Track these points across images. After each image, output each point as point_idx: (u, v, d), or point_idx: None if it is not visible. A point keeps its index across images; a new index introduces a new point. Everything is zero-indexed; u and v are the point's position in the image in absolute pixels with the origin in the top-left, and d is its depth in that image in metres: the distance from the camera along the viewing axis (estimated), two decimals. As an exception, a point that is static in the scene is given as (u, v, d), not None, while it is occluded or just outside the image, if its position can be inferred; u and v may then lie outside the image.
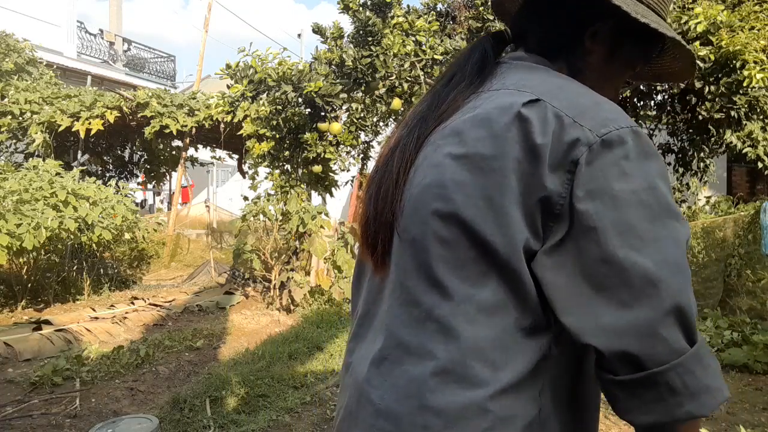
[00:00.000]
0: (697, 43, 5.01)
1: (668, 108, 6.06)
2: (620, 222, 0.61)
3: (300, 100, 6.05)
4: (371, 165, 7.09)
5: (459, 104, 0.75)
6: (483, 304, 0.65)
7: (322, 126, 5.96)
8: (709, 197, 8.86)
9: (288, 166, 6.50)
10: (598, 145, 0.62)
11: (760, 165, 5.27)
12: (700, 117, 5.33)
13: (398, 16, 5.65)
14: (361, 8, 5.52)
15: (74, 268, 6.76)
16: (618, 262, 0.60)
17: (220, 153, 10.37)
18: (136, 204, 9.54)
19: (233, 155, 10.97)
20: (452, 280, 0.66)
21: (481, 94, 0.74)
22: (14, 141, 8.90)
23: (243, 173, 9.54)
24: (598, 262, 0.61)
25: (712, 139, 5.50)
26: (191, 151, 10.16)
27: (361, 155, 6.85)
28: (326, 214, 6.28)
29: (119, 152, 11.13)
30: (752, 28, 5.15)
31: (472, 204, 0.65)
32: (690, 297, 0.61)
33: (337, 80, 5.75)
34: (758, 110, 5.17)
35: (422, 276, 0.68)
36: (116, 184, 7.43)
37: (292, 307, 6.04)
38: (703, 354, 0.61)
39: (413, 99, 5.85)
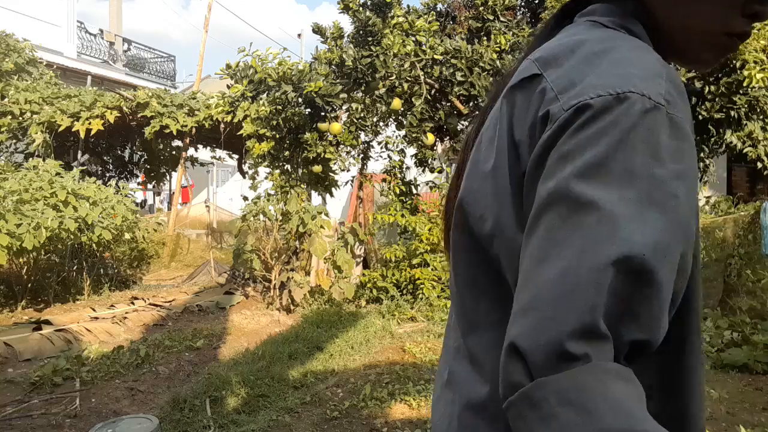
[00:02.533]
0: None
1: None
2: None
3: (300, 100, 6.05)
4: (371, 165, 7.14)
5: None
6: None
7: (322, 126, 5.96)
8: (709, 197, 8.87)
9: (288, 166, 6.50)
10: None
11: (759, 165, 5.27)
12: (701, 117, 5.33)
13: (398, 16, 5.65)
14: (361, 8, 5.52)
15: (74, 268, 6.76)
16: None
17: (220, 153, 10.38)
18: (136, 204, 9.55)
19: (233, 155, 10.98)
20: None
21: None
22: (14, 141, 8.92)
23: (243, 173, 9.55)
24: None
25: (712, 139, 5.50)
26: (191, 151, 10.16)
27: (361, 155, 6.85)
28: (326, 214, 6.28)
29: (119, 152, 11.14)
30: (752, 27, 5.15)
31: None
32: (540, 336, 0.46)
33: (337, 80, 5.75)
34: (758, 110, 5.17)
35: None
36: (116, 184, 7.44)
37: (292, 307, 6.04)
38: (540, 398, 0.44)
39: (413, 99, 5.85)
